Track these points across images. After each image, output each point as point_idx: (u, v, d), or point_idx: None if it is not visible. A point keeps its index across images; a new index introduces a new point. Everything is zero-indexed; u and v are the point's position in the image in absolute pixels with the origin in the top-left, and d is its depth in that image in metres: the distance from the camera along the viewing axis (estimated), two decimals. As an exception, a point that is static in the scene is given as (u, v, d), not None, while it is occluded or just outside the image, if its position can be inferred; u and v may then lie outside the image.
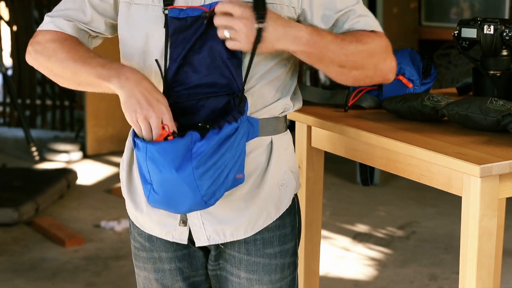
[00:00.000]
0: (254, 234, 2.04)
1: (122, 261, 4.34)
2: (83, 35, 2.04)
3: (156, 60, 1.91)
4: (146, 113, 1.84)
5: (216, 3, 1.90)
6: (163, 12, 1.94)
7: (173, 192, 1.87)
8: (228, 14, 1.84)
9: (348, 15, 1.98)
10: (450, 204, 5.11)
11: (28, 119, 6.98)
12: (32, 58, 2.01)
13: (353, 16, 1.98)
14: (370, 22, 2.00)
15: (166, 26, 1.93)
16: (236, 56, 1.90)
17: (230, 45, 1.86)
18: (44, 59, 1.99)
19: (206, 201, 1.88)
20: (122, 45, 2.03)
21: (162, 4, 1.95)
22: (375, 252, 4.49)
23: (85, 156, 6.28)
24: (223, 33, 1.85)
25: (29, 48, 2.02)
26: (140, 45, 1.98)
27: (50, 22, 2.03)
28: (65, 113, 7.06)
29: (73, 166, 5.97)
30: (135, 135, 1.88)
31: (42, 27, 2.04)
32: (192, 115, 1.91)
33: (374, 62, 1.95)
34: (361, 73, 1.95)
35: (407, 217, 5.01)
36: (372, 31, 1.98)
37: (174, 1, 1.94)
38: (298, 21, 1.97)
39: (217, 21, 1.85)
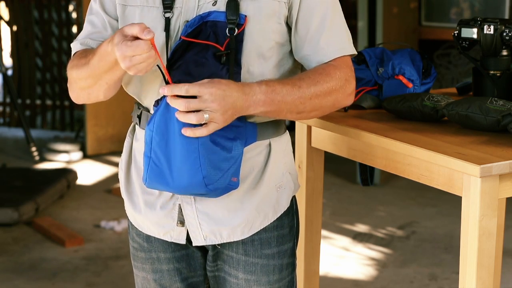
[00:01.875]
0: (252, 235, 2.03)
1: (122, 261, 4.34)
2: None
3: (158, 66, 1.92)
4: (124, 46, 1.78)
5: (209, 13, 1.90)
6: (163, 16, 1.94)
7: (174, 165, 1.86)
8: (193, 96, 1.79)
9: (315, 33, 1.96)
10: (450, 204, 5.11)
11: (28, 119, 6.98)
12: (71, 91, 2.02)
13: (318, 37, 1.95)
14: (334, 46, 1.97)
15: (167, 30, 1.93)
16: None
17: (210, 128, 1.81)
18: (74, 85, 2.00)
19: (207, 184, 1.87)
20: None
21: (156, 5, 1.96)
22: (375, 252, 4.49)
23: (85, 156, 6.28)
24: (202, 117, 1.79)
25: (68, 86, 2.02)
26: None
27: (75, 46, 2.04)
28: (65, 113, 7.06)
29: (73, 166, 5.97)
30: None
31: (72, 52, 2.04)
32: None
33: (333, 99, 1.94)
34: (320, 112, 1.96)
35: (407, 217, 5.01)
36: (334, 60, 1.96)
37: (173, 4, 1.94)
38: (289, 16, 1.97)
39: (189, 105, 1.79)
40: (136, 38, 1.78)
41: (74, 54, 2.03)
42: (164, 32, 1.94)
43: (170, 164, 1.87)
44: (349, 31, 2.02)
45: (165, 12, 1.94)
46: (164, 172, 1.88)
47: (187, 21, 1.93)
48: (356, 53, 2.02)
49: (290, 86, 1.89)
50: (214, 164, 1.87)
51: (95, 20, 2.04)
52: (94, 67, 1.91)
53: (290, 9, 1.96)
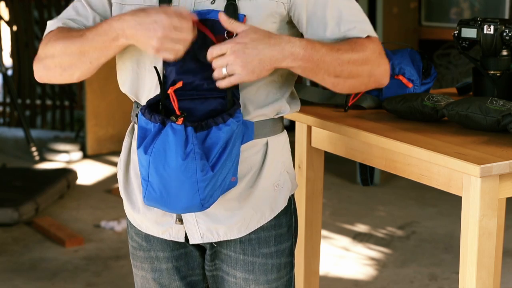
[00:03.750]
0: (249, 234, 2.04)
1: (122, 261, 4.35)
2: None
3: (155, 67, 1.91)
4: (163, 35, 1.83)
5: (208, 11, 1.90)
6: None
7: (172, 191, 1.86)
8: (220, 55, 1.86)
9: (341, 21, 1.96)
10: (450, 204, 5.11)
11: (28, 119, 6.98)
12: (38, 68, 1.99)
13: (346, 22, 1.96)
14: (365, 27, 1.98)
15: None
16: None
17: (232, 80, 1.85)
18: (49, 62, 1.97)
19: (203, 204, 1.88)
20: None
21: (153, 3, 1.95)
22: (375, 252, 4.49)
23: (85, 156, 6.28)
24: (220, 71, 1.85)
25: (34, 64, 2.00)
26: (133, 46, 1.97)
27: (55, 23, 2.02)
28: (65, 113, 7.06)
29: (73, 166, 5.97)
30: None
31: (46, 30, 2.02)
32: (188, 115, 1.90)
33: (369, 69, 1.94)
34: (356, 81, 1.94)
35: (407, 217, 5.01)
36: (367, 37, 1.97)
37: (171, 4, 1.94)
38: (290, 18, 1.97)
39: (214, 64, 1.86)
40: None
41: (52, 30, 2.00)
42: None
43: (168, 189, 1.87)
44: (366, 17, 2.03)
45: None
46: (162, 195, 1.88)
47: None
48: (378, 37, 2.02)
49: (328, 47, 1.89)
50: (212, 186, 1.87)
51: (80, 8, 2.03)
52: (87, 40, 1.90)
53: (292, 10, 1.96)
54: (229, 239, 2.03)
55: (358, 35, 1.96)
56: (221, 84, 1.86)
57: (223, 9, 1.91)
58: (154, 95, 1.94)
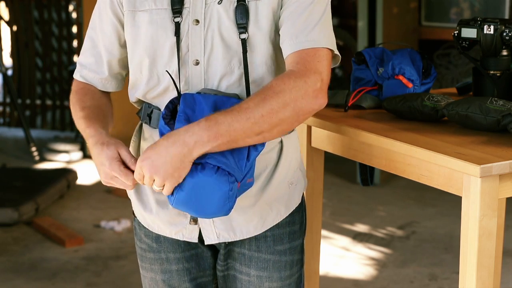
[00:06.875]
0: (265, 231, 2.04)
1: (122, 261, 4.35)
2: (108, 82, 2.21)
3: (167, 71, 1.92)
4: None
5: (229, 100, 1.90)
6: (173, 21, 1.95)
7: (203, 198, 1.82)
8: None
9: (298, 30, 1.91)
10: (450, 204, 5.11)
11: (28, 119, 6.98)
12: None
13: (302, 27, 1.91)
14: (314, 36, 1.91)
15: (178, 34, 1.94)
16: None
17: (167, 190, 1.85)
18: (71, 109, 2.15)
19: (229, 209, 1.85)
20: (129, 52, 2.04)
21: (164, 6, 1.96)
22: (375, 252, 4.49)
23: (85, 156, 6.28)
24: (152, 187, 1.87)
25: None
26: (147, 48, 1.98)
27: (77, 72, 2.13)
28: (65, 113, 7.06)
29: (73, 166, 5.97)
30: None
31: (74, 75, 2.16)
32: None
33: (291, 109, 1.82)
34: (284, 126, 1.84)
35: (407, 217, 5.01)
36: (305, 52, 1.88)
37: (183, 8, 1.94)
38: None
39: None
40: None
41: (76, 81, 2.14)
42: (175, 37, 1.95)
43: (198, 196, 1.83)
44: (331, 29, 1.95)
45: (174, 17, 1.94)
46: (192, 201, 1.84)
47: (196, 20, 1.93)
48: (334, 50, 1.93)
49: (236, 112, 1.80)
50: (240, 193, 1.86)
51: (93, 36, 2.09)
52: (81, 130, 2.11)
53: (281, 7, 1.96)
54: (245, 237, 2.03)
55: (302, 47, 1.89)
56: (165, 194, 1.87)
57: (232, 10, 1.92)
58: (168, 97, 1.95)
